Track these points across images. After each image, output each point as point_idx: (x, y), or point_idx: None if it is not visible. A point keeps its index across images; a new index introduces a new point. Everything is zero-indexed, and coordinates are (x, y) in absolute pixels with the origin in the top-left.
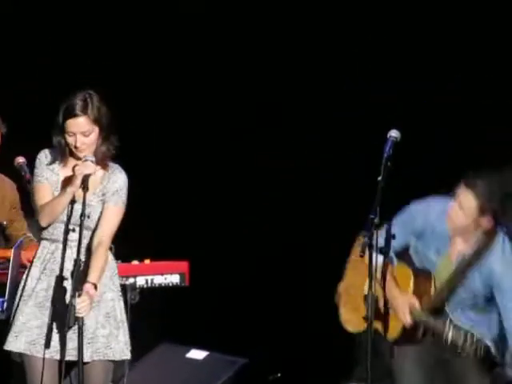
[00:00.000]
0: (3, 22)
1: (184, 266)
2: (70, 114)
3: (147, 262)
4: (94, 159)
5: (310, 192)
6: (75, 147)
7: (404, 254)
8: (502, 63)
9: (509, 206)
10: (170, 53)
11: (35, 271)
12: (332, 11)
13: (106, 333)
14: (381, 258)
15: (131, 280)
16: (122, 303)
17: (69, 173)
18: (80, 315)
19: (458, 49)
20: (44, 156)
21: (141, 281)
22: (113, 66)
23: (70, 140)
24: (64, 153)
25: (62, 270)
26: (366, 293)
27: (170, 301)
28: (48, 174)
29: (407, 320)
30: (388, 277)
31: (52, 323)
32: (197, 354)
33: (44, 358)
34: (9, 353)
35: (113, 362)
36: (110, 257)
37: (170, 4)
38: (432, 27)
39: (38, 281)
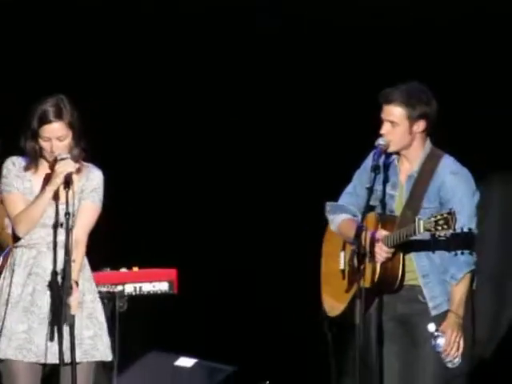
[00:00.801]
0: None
1: (172, 273)
2: (46, 119)
3: (135, 269)
4: (69, 156)
5: (300, 200)
6: (51, 152)
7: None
8: None
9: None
10: (170, 53)
11: (19, 278)
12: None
13: (91, 334)
14: (343, 215)
15: (120, 288)
16: (100, 305)
17: (41, 177)
18: (73, 313)
19: None
20: (11, 164)
21: (129, 288)
22: (111, 66)
23: (45, 145)
24: (36, 158)
25: (55, 272)
26: (342, 267)
27: (159, 308)
28: (18, 183)
29: (383, 250)
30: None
31: (39, 326)
32: (185, 362)
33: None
34: None
35: (97, 364)
36: (85, 259)
37: (170, 3)
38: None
39: (23, 287)
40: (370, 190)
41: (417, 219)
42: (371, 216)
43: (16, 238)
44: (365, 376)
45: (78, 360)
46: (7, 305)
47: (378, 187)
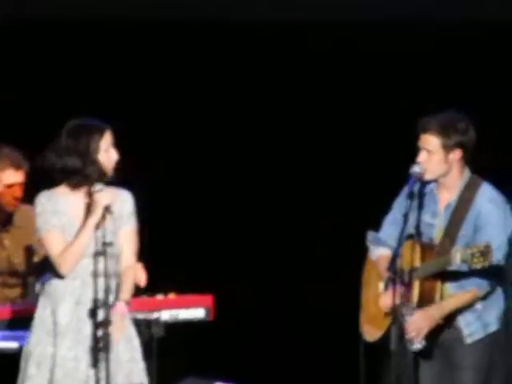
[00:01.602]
0: None
1: (209, 300)
2: (104, 127)
3: (172, 296)
4: (102, 187)
5: (339, 223)
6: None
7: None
8: None
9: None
10: (170, 52)
11: (66, 308)
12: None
13: (128, 358)
14: (381, 249)
15: (156, 314)
16: (133, 329)
17: (76, 209)
18: (117, 337)
19: None
20: (46, 200)
21: (165, 315)
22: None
23: (111, 156)
24: (98, 177)
25: (96, 300)
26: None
27: (195, 335)
28: (55, 221)
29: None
30: None
31: (84, 355)
32: None
33: None
34: None
35: None
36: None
37: (170, 3)
38: None
39: (71, 315)
40: (406, 218)
41: (454, 250)
42: (410, 244)
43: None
44: None
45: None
46: (56, 335)
47: (414, 215)
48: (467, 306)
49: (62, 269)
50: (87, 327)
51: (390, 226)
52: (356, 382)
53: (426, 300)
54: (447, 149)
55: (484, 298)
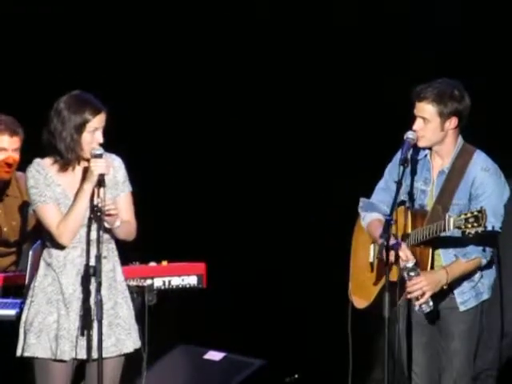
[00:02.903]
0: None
1: (201, 267)
2: (98, 110)
3: (164, 263)
4: (103, 151)
5: (327, 193)
6: (96, 143)
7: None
8: None
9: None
10: (171, 51)
11: (68, 278)
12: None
13: (132, 323)
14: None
15: (149, 281)
16: (128, 296)
17: (70, 179)
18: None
19: None
20: (37, 172)
21: (158, 282)
22: (113, 65)
23: (89, 137)
24: (75, 155)
25: (87, 267)
26: (371, 260)
27: (188, 302)
28: (49, 192)
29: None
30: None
31: (85, 323)
32: (214, 356)
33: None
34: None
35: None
36: (115, 252)
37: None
38: None
39: (74, 286)
40: (399, 184)
41: (447, 216)
42: (402, 210)
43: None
44: (392, 368)
45: (129, 349)
46: (58, 306)
47: (407, 181)
48: (470, 275)
49: (63, 239)
50: (91, 296)
51: (382, 193)
52: (345, 348)
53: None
54: (443, 116)
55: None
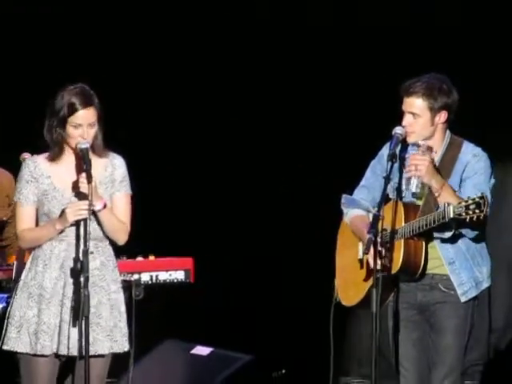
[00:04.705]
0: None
1: (189, 262)
2: (79, 105)
3: (152, 258)
4: (88, 146)
5: (314, 190)
6: (81, 139)
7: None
8: None
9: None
10: (171, 52)
11: (52, 272)
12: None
13: (111, 325)
14: (356, 210)
15: (136, 276)
16: (122, 295)
17: (60, 168)
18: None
19: None
20: (25, 167)
21: (145, 277)
22: (113, 64)
23: (75, 133)
24: (62, 147)
25: (74, 262)
26: (360, 256)
27: (175, 297)
28: (29, 191)
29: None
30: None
31: (71, 319)
32: (201, 351)
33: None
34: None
35: (114, 355)
36: (111, 250)
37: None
38: None
39: (56, 280)
40: (387, 179)
41: (445, 205)
42: (394, 204)
43: None
44: (380, 364)
45: (107, 350)
46: (40, 300)
47: (394, 176)
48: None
49: (21, 244)
50: (71, 291)
51: (364, 190)
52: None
53: (411, 260)
54: (433, 111)
55: (476, 256)
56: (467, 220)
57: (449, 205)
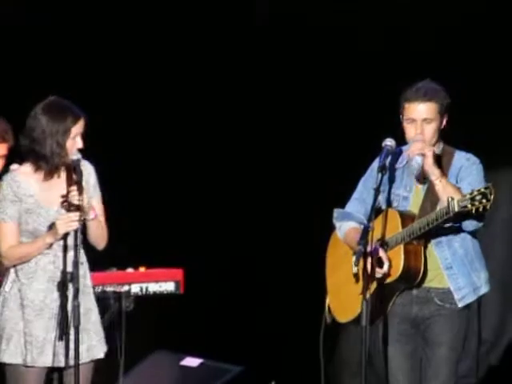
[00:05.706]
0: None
1: (179, 273)
2: (80, 115)
3: (142, 269)
4: (80, 157)
5: (305, 203)
6: (77, 149)
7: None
8: None
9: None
10: (170, 52)
11: (39, 284)
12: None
13: (98, 329)
14: (350, 223)
15: (126, 287)
16: (93, 299)
17: (45, 185)
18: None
19: None
20: (7, 186)
21: (136, 288)
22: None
23: (71, 144)
24: (59, 161)
25: (63, 274)
26: (355, 271)
27: (165, 308)
28: (11, 210)
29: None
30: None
31: (59, 331)
32: (191, 362)
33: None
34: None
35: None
36: (84, 258)
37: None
38: None
39: (46, 293)
40: (377, 191)
41: (449, 198)
42: (391, 213)
43: None
44: (371, 377)
45: (83, 360)
46: (28, 312)
47: (385, 188)
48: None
49: (5, 261)
50: (62, 303)
51: (356, 203)
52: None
53: (411, 265)
54: (442, 114)
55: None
56: (472, 211)
57: (453, 199)
